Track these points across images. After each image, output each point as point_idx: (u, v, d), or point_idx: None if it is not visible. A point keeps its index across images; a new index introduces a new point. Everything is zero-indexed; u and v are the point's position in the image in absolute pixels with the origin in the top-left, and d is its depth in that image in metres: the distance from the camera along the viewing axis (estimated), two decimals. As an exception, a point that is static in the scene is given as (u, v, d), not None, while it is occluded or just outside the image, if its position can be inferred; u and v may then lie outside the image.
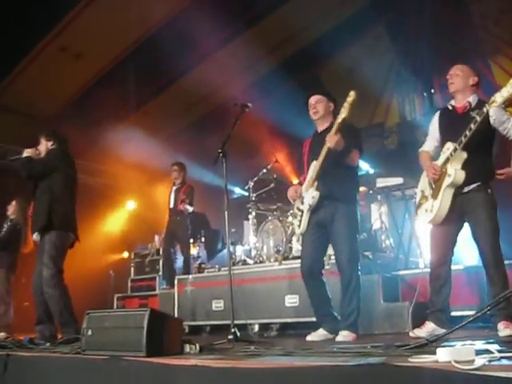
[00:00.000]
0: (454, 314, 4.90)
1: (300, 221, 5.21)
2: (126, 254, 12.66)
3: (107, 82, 10.88)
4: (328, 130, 5.09)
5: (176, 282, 8.17)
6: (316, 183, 5.06)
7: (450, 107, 4.91)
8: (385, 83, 12.53)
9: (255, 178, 8.86)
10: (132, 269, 10.50)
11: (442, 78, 12.36)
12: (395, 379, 2.27)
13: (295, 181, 11.79)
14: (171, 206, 9.55)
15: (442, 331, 4.12)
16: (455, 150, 4.49)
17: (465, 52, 11.36)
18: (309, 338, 5.10)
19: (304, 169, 5.40)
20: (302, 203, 5.20)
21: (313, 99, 5.32)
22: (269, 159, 9.63)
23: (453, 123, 4.68)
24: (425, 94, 12.23)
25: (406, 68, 12.20)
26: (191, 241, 9.45)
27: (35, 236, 5.88)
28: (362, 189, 7.61)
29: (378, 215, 7.75)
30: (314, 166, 5.09)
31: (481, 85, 4.83)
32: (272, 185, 8.75)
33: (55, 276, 5.66)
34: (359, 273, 5.12)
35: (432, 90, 12.06)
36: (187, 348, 3.78)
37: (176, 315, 7.56)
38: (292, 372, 2.59)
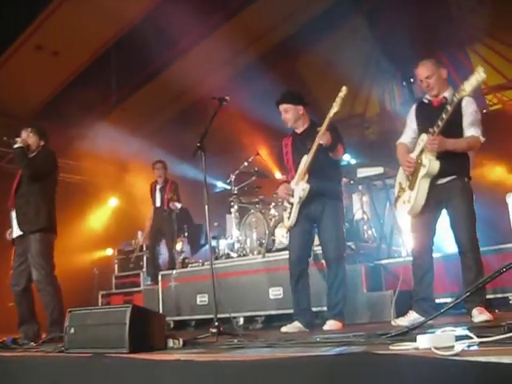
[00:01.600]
0: (438, 301, 4.96)
1: (290, 213, 5.34)
2: (109, 251, 12.62)
3: (85, 80, 10.79)
4: (307, 130, 5.36)
5: (160, 277, 8.15)
6: (307, 176, 5.18)
7: (426, 101, 4.95)
8: (364, 74, 12.57)
9: (236, 172, 8.85)
10: (116, 266, 10.47)
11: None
12: (376, 367, 2.28)
13: (277, 173, 11.83)
14: (158, 204, 9.53)
15: (424, 319, 4.16)
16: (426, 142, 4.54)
17: (442, 41, 11.43)
18: (283, 329, 5.19)
19: (289, 167, 5.52)
20: (293, 196, 5.33)
21: (281, 108, 5.44)
22: (250, 152, 9.61)
23: (429, 116, 4.71)
24: (404, 83, 12.30)
25: (385, 58, 12.24)
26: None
27: (14, 234, 5.84)
28: (343, 180, 7.65)
29: (359, 205, 7.79)
30: (305, 161, 5.20)
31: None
32: (253, 178, 8.74)
33: (49, 274, 5.73)
34: (345, 264, 5.31)
35: (411, 79, 12.10)
36: (170, 343, 3.79)
37: (161, 311, 7.57)
38: (274, 363, 2.59)
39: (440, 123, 4.42)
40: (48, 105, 11.27)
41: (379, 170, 7.53)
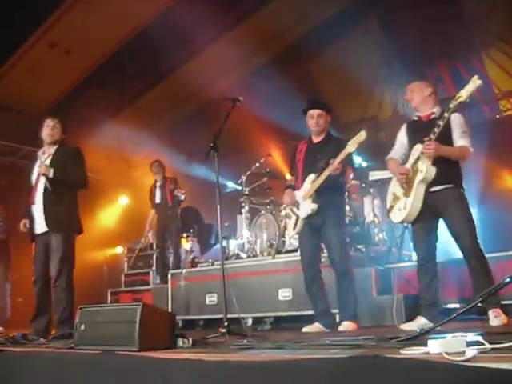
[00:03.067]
0: (447, 306, 4.96)
1: (295, 223, 5.53)
2: (119, 249, 12.65)
3: (98, 78, 10.82)
4: (323, 142, 5.56)
5: (170, 276, 8.17)
6: (314, 195, 5.35)
7: (416, 118, 5.14)
8: (377, 76, 12.52)
9: (248, 172, 8.85)
10: (125, 263, 10.49)
11: (434, 70, 12.42)
12: (386, 371, 2.27)
13: (288, 175, 11.82)
14: (158, 201, 9.56)
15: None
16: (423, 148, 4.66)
17: (457, 45, 11.40)
18: (304, 329, 5.36)
19: (297, 174, 5.66)
20: (298, 208, 5.52)
21: (315, 113, 5.55)
22: (261, 153, 9.61)
23: (420, 130, 4.88)
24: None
25: (398, 61, 12.20)
26: (184, 235, 9.45)
27: (39, 230, 5.82)
28: (354, 182, 7.64)
29: (370, 208, 7.77)
30: (313, 181, 5.38)
31: (437, 91, 5.08)
32: (265, 179, 8.75)
33: (69, 272, 5.76)
34: (352, 268, 5.48)
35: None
36: (180, 342, 3.79)
37: (170, 309, 7.58)
38: (284, 365, 2.59)
39: (436, 130, 4.57)
40: (60, 102, 11.30)
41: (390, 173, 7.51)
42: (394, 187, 5.07)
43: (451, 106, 4.49)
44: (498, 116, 12.01)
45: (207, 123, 10.31)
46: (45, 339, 5.18)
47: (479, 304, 4.25)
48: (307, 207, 5.39)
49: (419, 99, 5.01)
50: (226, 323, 4.60)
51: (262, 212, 8.26)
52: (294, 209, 5.57)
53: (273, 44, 11.77)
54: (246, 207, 8.57)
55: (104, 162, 12.14)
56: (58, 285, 5.69)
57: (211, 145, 4.98)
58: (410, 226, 5.16)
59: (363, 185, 7.77)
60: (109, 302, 9.42)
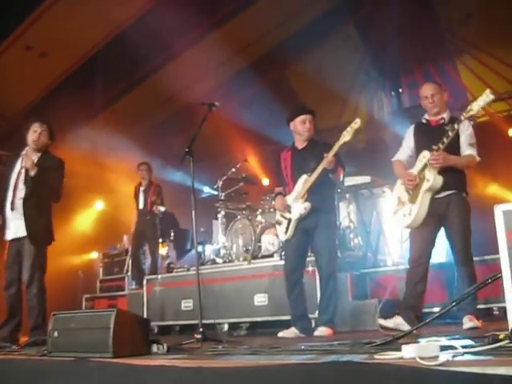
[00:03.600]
0: (426, 310, 5.03)
1: (287, 228, 5.49)
2: (94, 255, 12.54)
3: (74, 81, 10.74)
4: (309, 147, 5.52)
5: (145, 282, 8.11)
6: (306, 195, 5.34)
7: (424, 121, 5.18)
8: (353, 83, 12.59)
9: (224, 177, 8.84)
10: (101, 269, 10.41)
11: (410, 77, 12.52)
12: (360, 376, 2.29)
13: (264, 180, 11.84)
14: (141, 207, 9.50)
15: (408, 327, 4.22)
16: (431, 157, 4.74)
17: (431, 52, 11.52)
18: (280, 334, 5.34)
19: (287, 181, 5.62)
20: (290, 212, 5.47)
21: (307, 118, 5.56)
22: (238, 158, 9.61)
23: (427, 134, 4.97)
24: (392, 93, 12.37)
25: (374, 68, 12.31)
26: (160, 240, 9.41)
27: (11, 236, 5.72)
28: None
29: (346, 214, 7.79)
30: (305, 181, 5.37)
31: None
32: (241, 184, 8.74)
33: (40, 278, 5.67)
34: (337, 274, 5.49)
35: (400, 90, 12.20)
36: (155, 348, 3.77)
37: (145, 315, 7.52)
38: (258, 371, 2.59)
39: (446, 140, 4.66)
40: (36, 105, 11.19)
41: (366, 178, 7.59)
42: (399, 191, 5.10)
43: (462, 118, 4.60)
44: (471, 122, 12.14)
45: (184, 128, 10.27)
46: (17, 346, 5.12)
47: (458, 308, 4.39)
48: (300, 206, 5.35)
49: (440, 104, 5.04)
50: (201, 329, 4.58)
51: (238, 217, 8.25)
52: (285, 214, 5.53)
53: (251, 49, 11.77)
54: (222, 212, 8.55)
55: (79, 165, 12.03)
56: (30, 291, 5.61)
57: (186, 149, 4.97)
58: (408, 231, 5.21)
59: (339, 190, 7.80)
60: (83, 308, 9.34)
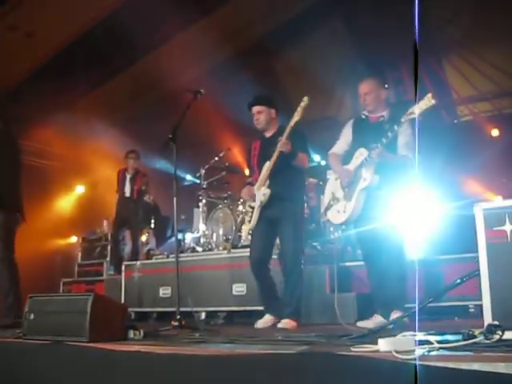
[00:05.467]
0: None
1: (251, 217, 5.44)
2: (74, 239, 12.47)
3: (57, 65, 10.59)
4: (276, 135, 5.36)
5: (123, 267, 8.07)
6: (268, 182, 5.30)
7: (364, 116, 5.16)
8: (339, 76, 12.60)
9: (207, 166, 8.83)
10: (79, 253, 10.35)
11: (396, 73, 12.53)
12: (336, 368, 2.30)
13: (247, 170, 11.82)
14: (127, 194, 9.42)
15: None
16: (369, 155, 4.72)
17: (418, 49, 11.54)
18: (257, 325, 5.29)
19: (254, 169, 5.61)
20: (254, 201, 5.43)
21: (254, 109, 5.52)
22: (221, 147, 9.58)
23: (366, 131, 4.97)
24: (378, 88, 12.37)
25: (361, 62, 12.30)
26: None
27: None
28: (311, 180, 7.68)
29: (327, 207, 7.80)
30: (267, 167, 5.30)
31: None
32: (223, 173, 8.74)
33: (7, 258, 5.56)
34: (302, 266, 5.37)
35: (386, 85, 12.19)
36: (131, 334, 3.76)
37: (123, 301, 7.51)
38: (235, 359, 2.59)
39: (384, 140, 4.61)
40: (19, 86, 11.05)
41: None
42: (334, 186, 5.12)
43: (402, 120, 4.52)
44: (455, 121, 12.24)
45: (167, 115, 10.19)
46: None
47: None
48: (260, 194, 5.32)
49: (376, 102, 5.03)
50: (178, 316, 4.58)
51: (220, 206, 8.25)
52: (251, 203, 5.48)
53: (238, 39, 11.71)
54: (204, 201, 8.54)
55: (60, 149, 11.97)
56: None
57: (170, 136, 4.95)
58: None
59: (320, 183, 7.80)
60: (61, 292, 9.29)
